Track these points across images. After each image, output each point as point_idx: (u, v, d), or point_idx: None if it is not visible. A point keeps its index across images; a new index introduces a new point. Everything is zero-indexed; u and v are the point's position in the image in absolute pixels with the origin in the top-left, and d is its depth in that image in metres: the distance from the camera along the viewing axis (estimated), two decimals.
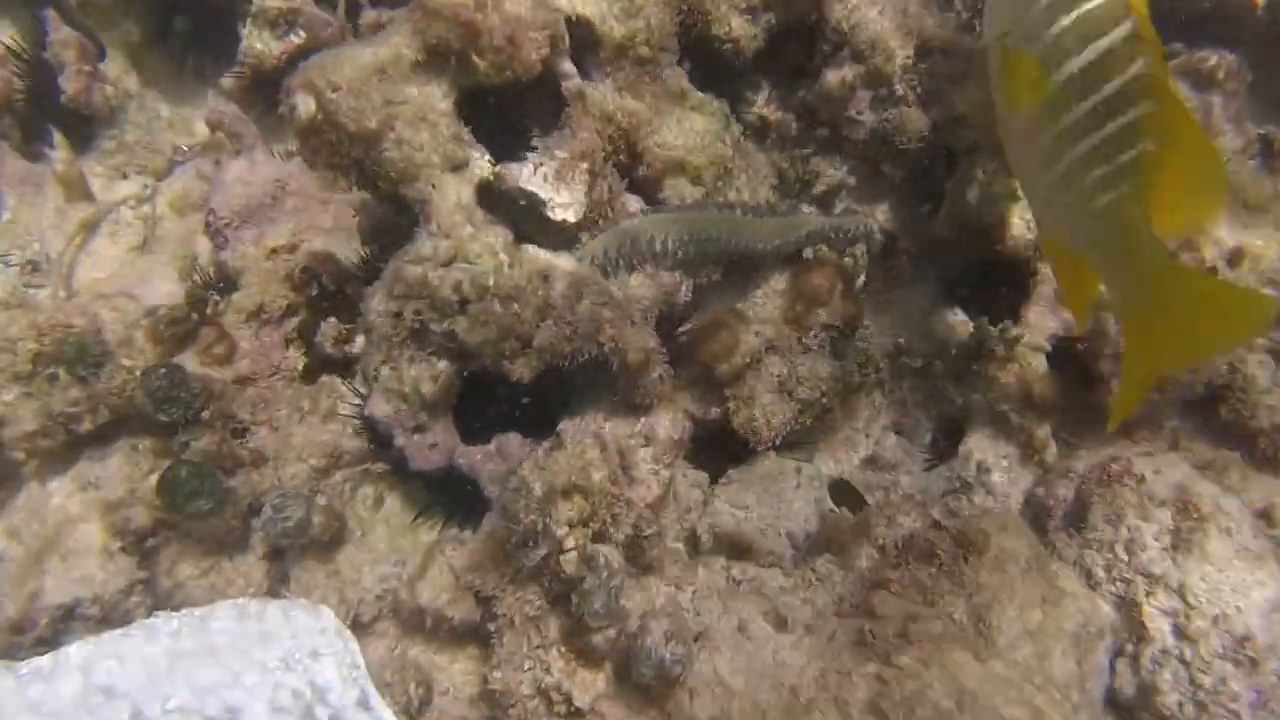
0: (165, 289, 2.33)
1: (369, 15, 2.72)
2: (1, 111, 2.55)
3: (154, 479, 1.83)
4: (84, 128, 2.66)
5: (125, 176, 2.70)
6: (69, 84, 2.58)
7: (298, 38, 2.62)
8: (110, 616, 1.81)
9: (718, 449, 2.28)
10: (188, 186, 2.66)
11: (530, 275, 1.84)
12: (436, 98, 1.87)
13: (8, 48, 2.58)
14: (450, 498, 2.08)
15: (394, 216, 2.23)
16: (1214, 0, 2.78)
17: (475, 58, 1.83)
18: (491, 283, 1.80)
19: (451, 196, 1.84)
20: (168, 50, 2.81)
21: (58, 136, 2.53)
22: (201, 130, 2.83)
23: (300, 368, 2.13)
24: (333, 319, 2.13)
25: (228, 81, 2.71)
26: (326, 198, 2.54)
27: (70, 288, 2.37)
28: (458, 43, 1.83)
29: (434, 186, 1.83)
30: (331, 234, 2.45)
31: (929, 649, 1.72)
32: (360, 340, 2.11)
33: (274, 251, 2.37)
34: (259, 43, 2.60)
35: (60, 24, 2.59)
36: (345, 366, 2.13)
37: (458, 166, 1.87)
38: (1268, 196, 2.49)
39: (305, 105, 1.81)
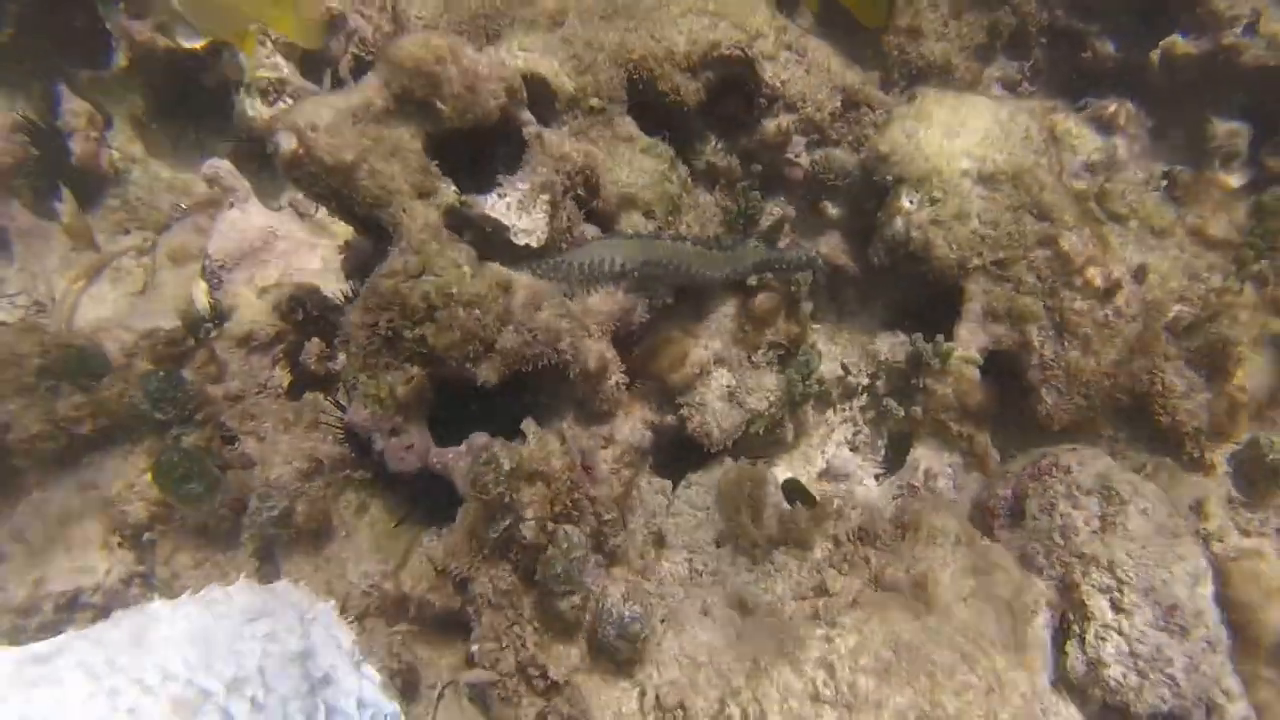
0: (163, 325, 2.66)
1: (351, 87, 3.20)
2: (14, 173, 2.96)
3: (145, 479, 2.11)
4: (92, 188, 3.07)
5: (127, 231, 3.09)
6: (78, 147, 3.00)
7: (283, 105, 3.07)
8: (110, 604, 2.04)
9: (679, 461, 2.57)
10: (185, 239, 3.05)
11: (491, 285, 2.18)
12: (405, 137, 2.25)
13: (21, 117, 3.02)
14: (428, 507, 2.36)
15: (375, 256, 2.60)
16: (1118, 58, 3.29)
17: (439, 103, 2.23)
18: (455, 290, 2.14)
19: (420, 218, 2.20)
20: (170, 121, 3.26)
21: (65, 192, 2.93)
22: (198, 190, 3.24)
23: (285, 385, 2.44)
24: (316, 339, 2.46)
25: (224, 145, 3.15)
26: (315, 242, 2.93)
27: (72, 324, 2.70)
28: (420, 91, 2.22)
29: (404, 210, 2.20)
30: (319, 275, 2.82)
31: (872, 611, 1.97)
32: (341, 357, 2.43)
33: (264, 291, 2.72)
34: (252, 109, 3.04)
35: (72, 95, 3.04)
36: (327, 383, 2.45)
37: (426, 194, 2.24)
38: (1171, 222, 2.91)
39: (287, 142, 2.20)
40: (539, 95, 2.50)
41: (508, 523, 1.95)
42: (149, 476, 2.09)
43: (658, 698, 1.92)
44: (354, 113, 2.20)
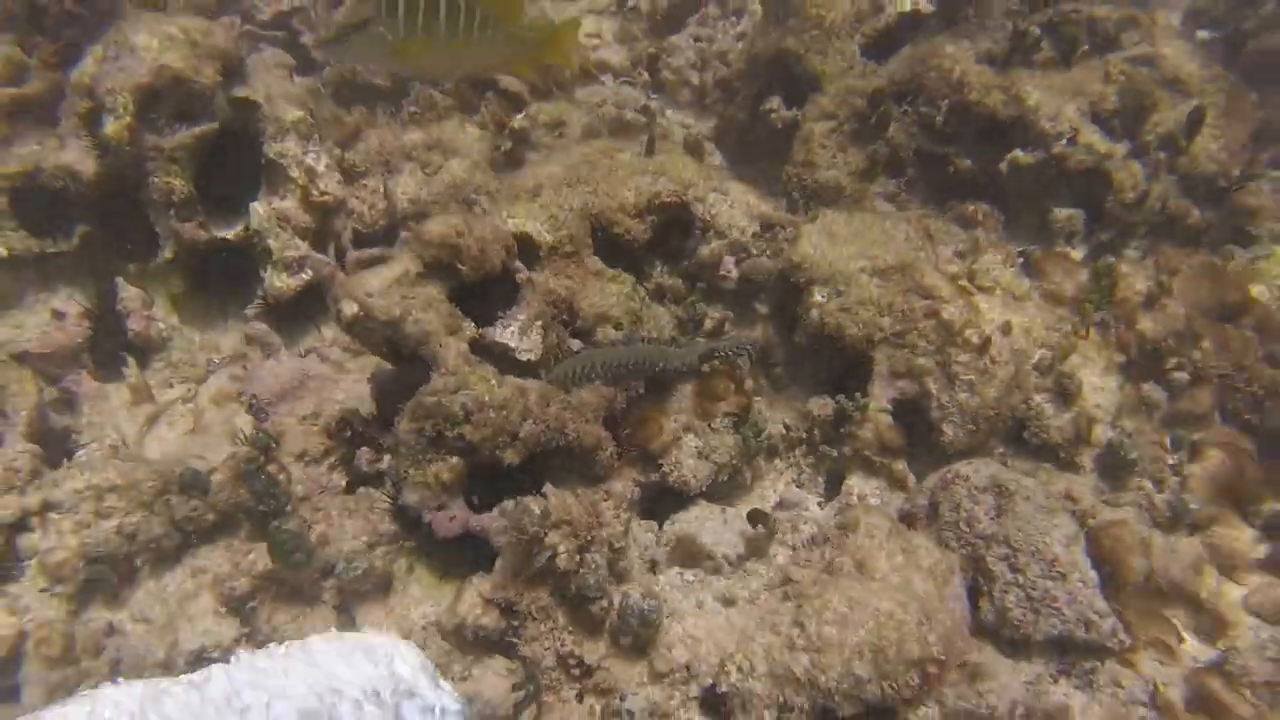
0: (218, 455, 3.58)
1: (352, 255, 4.34)
2: (81, 351, 3.92)
3: (250, 557, 3.00)
4: (143, 354, 4.05)
5: (172, 385, 4.04)
6: (135, 325, 4.00)
7: (307, 275, 4.15)
8: (227, 659, 2.84)
9: (660, 513, 3.52)
10: (222, 386, 4.01)
11: (513, 390, 3.19)
12: (435, 293, 3.32)
13: (84, 307, 4.01)
14: (464, 568, 3.25)
15: (397, 384, 3.61)
16: (975, 170, 4.58)
17: (459, 265, 3.33)
18: (487, 399, 3.15)
19: (453, 349, 3.23)
20: (199, 294, 4.29)
21: (130, 360, 3.91)
22: (226, 348, 4.23)
23: (344, 485, 3.37)
24: (365, 448, 3.41)
25: (251, 310, 4.18)
26: (338, 379, 3.93)
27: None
28: (446, 258, 3.33)
29: (440, 345, 3.23)
30: (345, 403, 3.80)
31: (829, 584, 2.91)
32: (387, 459, 3.37)
33: (304, 419, 3.70)
34: (279, 281, 4.11)
35: (127, 285, 4.07)
36: (377, 480, 3.38)
37: (454, 331, 3.29)
38: (1027, 289, 4.10)
39: (349, 308, 3.26)
40: (525, 247, 3.62)
41: (547, 555, 2.87)
42: (265, 551, 2.98)
43: (670, 667, 2.81)
44: (396, 280, 3.29)
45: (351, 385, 3.91)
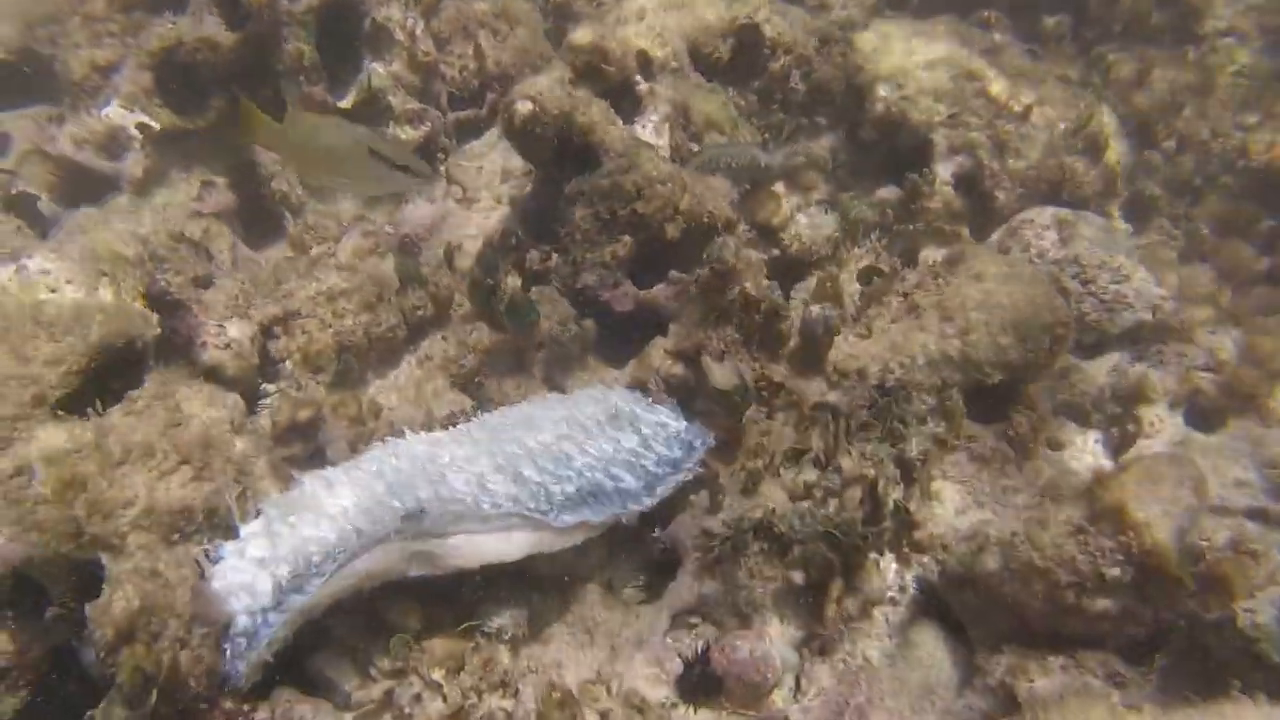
0: None
1: (452, 116, 4.52)
2: (232, 218, 4.02)
3: (474, 336, 3.26)
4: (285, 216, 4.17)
5: (310, 248, 4.16)
6: (277, 185, 4.12)
7: (425, 127, 4.31)
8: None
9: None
10: (358, 243, 4.15)
11: (673, 168, 3.47)
12: (588, 94, 3.57)
13: (228, 179, 4.10)
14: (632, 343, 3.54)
15: (537, 203, 3.85)
16: None
17: (605, 67, 3.57)
18: (655, 174, 3.41)
19: (619, 135, 3.48)
20: None
21: (289, 216, 4.04)
22: (346, 215, 4.36)
23: (519, 284, 3.61)
24: (534, 251, 3.65)
25: None
26: (470, 216, 4.14)
27: None
28: (594, 61, 3.57)
29: (606, 133, 3.48)
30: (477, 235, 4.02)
31: (959, 288, 3.29)
32: (556, 259, 3.63)
33: (450, 248, 3.91)
34: (404, 133, 4.26)
35: (264, 151, 4.15)
36: (545, 279, 3.62)
37: (613, 123, 3.54)
38: (1043, 72, 4.51)
39: (524, 105, 3.47)
40: (640, 63, 3.87)
41: (738, 289, 3.17)
42: (484, 329, 3.26)
43: (844, 374, 3.18)
44: (558, 82, 3.51)
45: (481, 220, 4.13)
